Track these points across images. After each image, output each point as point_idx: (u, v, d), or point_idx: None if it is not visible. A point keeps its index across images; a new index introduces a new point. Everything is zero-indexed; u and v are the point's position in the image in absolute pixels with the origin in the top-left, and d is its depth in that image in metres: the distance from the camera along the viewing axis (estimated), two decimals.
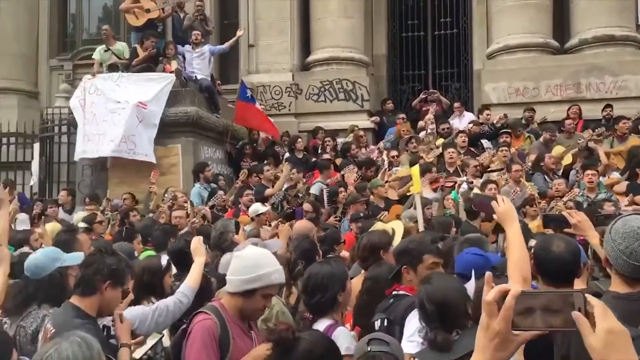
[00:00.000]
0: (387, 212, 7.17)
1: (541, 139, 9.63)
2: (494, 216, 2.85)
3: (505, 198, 2.91)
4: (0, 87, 15.29)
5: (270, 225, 6.76)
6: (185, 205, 7.45)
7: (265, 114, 11.75)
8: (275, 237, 5.38)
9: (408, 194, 7.96)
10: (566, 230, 3.34)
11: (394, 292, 3.27)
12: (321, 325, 2.93)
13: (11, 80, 15.35)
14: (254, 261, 2.83)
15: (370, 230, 4.59)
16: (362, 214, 6.75)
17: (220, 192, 8.80)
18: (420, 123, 11.35)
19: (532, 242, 3.30)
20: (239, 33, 11.56)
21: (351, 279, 3.48)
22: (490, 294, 1.27)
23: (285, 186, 8.87)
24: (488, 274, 1.34)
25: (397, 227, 4.68)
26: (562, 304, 1.20)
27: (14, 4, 15.42)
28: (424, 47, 14.07)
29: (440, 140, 10.24)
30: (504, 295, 1.25)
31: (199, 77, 10.63)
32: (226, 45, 11.42)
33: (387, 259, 3.70)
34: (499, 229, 6.07)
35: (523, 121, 10.55)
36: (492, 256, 3.48)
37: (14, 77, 15.41)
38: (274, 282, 2.82)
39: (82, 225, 6.61)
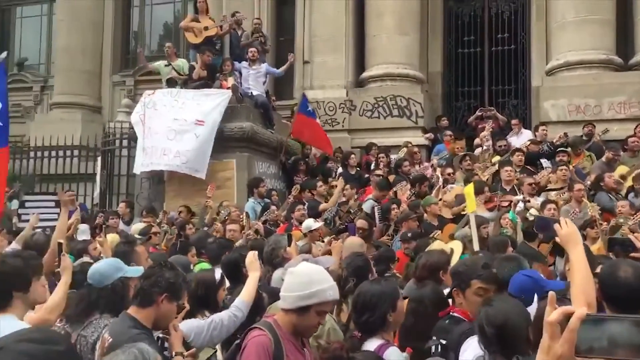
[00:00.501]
0: (440, 231, 7.05)
1: (603, 158, 9.27)
2: (557, 238, 2.75)
3: (569, 220, 2.80)
4: (65, 101, 15.98)
5: (323, 241, 6.76)
6: (240, 218, 7.52)
7: None
8: (328, 253, 5.36)
9: (462, 212, 7.82)
10: (632, 254, 3.19)
11: (450, 314, 3.20)
12: (372, 344, 2.89)
13: (76, 95, 16.01)
14: (308, 277, 2.82)
15: (428, 249, 4.50)
16: (410, 234, 6.65)
17: (273, 207, 8.87)
18: (476, 140, 11.16)
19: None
20: (290, 58, 11.70)
21: (405, 298, 3.44)
22: (553, 315, 1.21)
23: (338, 202, 8.85)
24: (551, 294, 1.29)
25: (455, 247, 4.57)
26: (630, 332, 1.14)
27: (80, 22, 16.11)
28: (480, 63, 13.89)
29: (497, 158, 10.03)
30: (567, 317, 1.19)
31: (254, 93, 10.81)
32: (281, 70, 11.64)
33: (445, 281, 3.62)
34: (557, 251, 5.88)
35: (583, 137, 10.21)
36: (552, 282, 3.36)
37: (78, 93, 16.07)
38: (328, 298, 2.80)
39: (138, 237, 6.76)
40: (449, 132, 11.57)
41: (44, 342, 1.59)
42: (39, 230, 6.16)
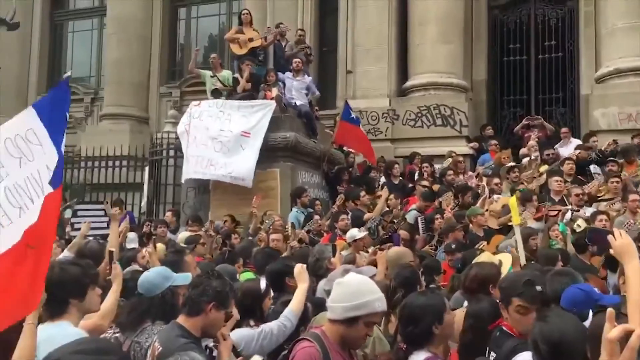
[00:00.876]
0: (486, 242, 6.92)
1: None
2: (611, 251, 2.66)
3: (623, 231, 2.71)
4: (114, 113, 16.44)
5: (367, 251, 6.73)
6: (286, 229, 7.55)
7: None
8: (373, 263, 5.33)
9: (509, 223, 7.66)
10: None
11: (500, 326, 3.14)
12: (418, 357, 2.86)
13: (124, 107, 16.45)
14: (356, 288, 2.82)
15: (475, 261, 4.42)
16: (454, 245, 6.54)
17: (317, 217, 8.88)
18: (523, 150, 10.95)
19: None
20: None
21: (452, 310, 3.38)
22: (613, 332, 1.18)
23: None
24: (610, 310, 1.25)
25: (504, 259, 4.47)
26: None
27: (129, 35, 16.57)
28: (526, 71, 13.64)
29: (544, 167, 9.80)
30: (628, 334, 1.15)
31: (298, 103, 10.88)
32: (317, 93, 11.63)
33: (494, 294, 3.55)
34: (610, 264, 5.69)
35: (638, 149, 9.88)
36: (607, 296, 3.25)
37: (126, 104, 16.51)
38: (377, 309, 2.79)
39: (183, 245, 6.85)
40: (494, 142, 11.39)
41: (97, 352, 1.62)
42: (90, 238, 6.32)
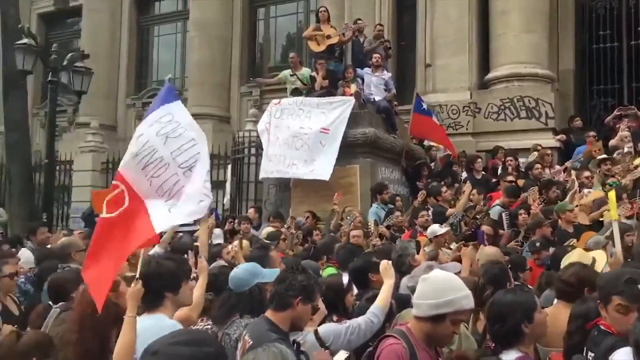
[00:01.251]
0: (576, 239, 6.62)
1: None
2: None
3: None
4: (198, 113, 16.84)
5: (449, 247, 6.62)
6: (368, 226, 7.54)
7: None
8: (457, 260, 5.23)
9: (600, 219, 7.30)
10: None
11: (597, 325, 3.00)
12: (508, 356, 2.77)
13: (207, 107, 16.94)
14: (443, 285, 2.77)
15: (566, 258, 4.24)
16: (539, 243, 6.30)
17: (397, 213, 8.81)
18: (613, 141, 10.37)
19: None
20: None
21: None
22: None
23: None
24: None
25: (598, 257, 4.27)
26: None
27: (210, 37, 17.07)
28: (618, 58, 12.94)
29: (638, 160, 9.25)
30: None
31: (376, 98, 10.83)
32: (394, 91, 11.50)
33: (593, 296, 3.40)
34: None
35: None
36: None
37: (209, 104, 16.99)
38: (464, 307, 2.74)
39: (267, 241, 6.99)
40: (592, 133, 10.80)
41: (195, 343, 1.68)
42: (180, 234, 6.57)
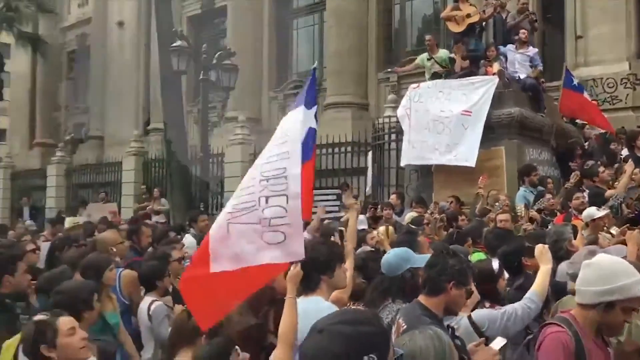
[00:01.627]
0: None
1: None
2: None
3: None
4: (336, 101, 17.27)
5: (609, 231, 6.16)
6: (517, 209, 7.24)
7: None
8: (621, 244, 4.85)
9: None
10: None
11: None
12: None
13: (345, 95, 17.19)
14: (610, 271, 2.59)
15: None
16: None
17: (549, 196, 8.35)
18: None
19: None
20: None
21: None
22: None
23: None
24: None
25: None
26: None
27: (347, 25, 17.27)
28: None
29: None
30: None
31: (521, 76, 10.31)
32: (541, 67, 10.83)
33: None
34: None
35: None
36: None
37: (347, 92, 17.23)
38: (637, 294, 2.53)
39: (412, 227, 6.96)
40: None
41: (357, 322, 1.73)
42: (327, 221, 6.77)
